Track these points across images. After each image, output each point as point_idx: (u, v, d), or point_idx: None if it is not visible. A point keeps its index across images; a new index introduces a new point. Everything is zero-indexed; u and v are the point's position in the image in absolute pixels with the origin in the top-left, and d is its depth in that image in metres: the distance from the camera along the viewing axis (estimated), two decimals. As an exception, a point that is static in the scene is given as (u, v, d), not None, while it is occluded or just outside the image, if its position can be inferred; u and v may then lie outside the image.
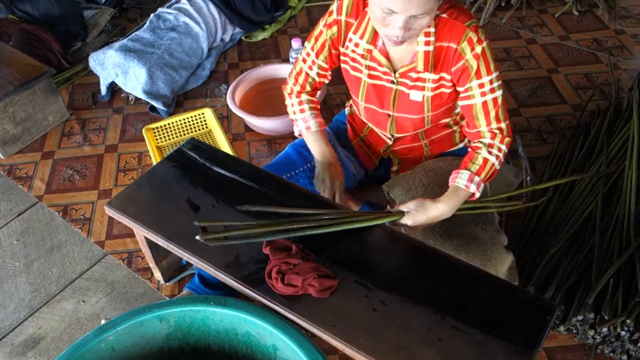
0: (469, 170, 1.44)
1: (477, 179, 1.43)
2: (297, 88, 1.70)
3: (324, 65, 1.62)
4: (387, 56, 1.49)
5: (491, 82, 1.41)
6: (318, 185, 1.62)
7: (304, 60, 1.64)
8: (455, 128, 1.67)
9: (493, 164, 1.45)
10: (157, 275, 1.85)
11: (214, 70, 2.89)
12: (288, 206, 1.43)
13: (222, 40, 2.97)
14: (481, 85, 1.41)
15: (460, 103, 1.48)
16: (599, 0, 3.14)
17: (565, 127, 2.38)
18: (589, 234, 1.78)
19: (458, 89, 1.47)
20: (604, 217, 1.82)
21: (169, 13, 2.80)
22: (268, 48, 3.04)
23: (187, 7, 2.82)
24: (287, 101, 1.73)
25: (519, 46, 2.93)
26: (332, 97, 2.62)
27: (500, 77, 1.44)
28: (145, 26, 2.79)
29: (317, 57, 1.60)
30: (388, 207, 1.46)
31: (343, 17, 1.50)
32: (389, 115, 1.61)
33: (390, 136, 1.69)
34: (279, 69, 2.65)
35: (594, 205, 1.84)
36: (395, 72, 1.51)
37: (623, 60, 2.78)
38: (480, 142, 1.47)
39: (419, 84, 1.49)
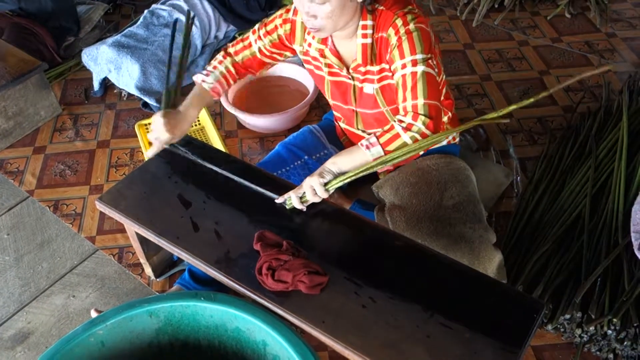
0: (378, 137, 1.37)
1: (377, 147, 1.35)
2: (232, 50, 1.68)
3: (268, 46, 1.62)
4: (337, 55, 1.53)
5: (414, 62, 1.35)
6: (153, 121, 1.55)
7: (254, 31, 1.64)
8: None
9: (404, 142, 1.35)
10: (148, 270, 1.85)
11: (208, 67, 2.88)
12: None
13: (216, 37, 2.97)
14: (403, 66, 1.37)
15: (387, 83, 1.50)
16: (591, 3, 3.17)
17: (555, 129, 2.40)
18: (578, 234, 1.80)
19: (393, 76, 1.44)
20: (592, 217, 1.84)
21: (163, 9, 2.80)
22: (262, 46, 3.04)
23: (181, 3, 2.82)
24: (216, 55, 1.70)
25: (511, 48, 2.95)
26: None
27: (430, 60, 1.37)
28: (138, 22, 2.78)
29: (264, 36, 1.61)
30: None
31: (298, 18, 1.54)
32: (354, 110, 1.63)
33: (361, 132, 1.70)
34: (272, 67, 2.65)
35: (582, 206, 1.86)
36: (348, 69, 1.54)
37: (614, 62, 2.80)
38: (402, 118, 1.37)
39: (368, 76, 1.52)
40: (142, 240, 1.67)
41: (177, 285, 1.73)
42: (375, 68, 1.48)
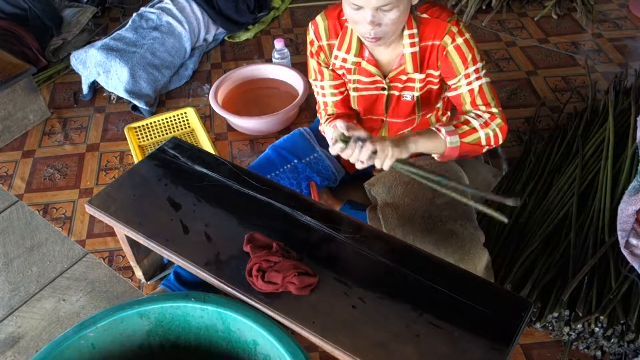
0: (455, 127, 1.42)
1: (456, 137, 1.41)
2: (323, 124, 1.67)
3: (334, 83, 1.61)
4: (375, 64, 1.53)
5: (477, 71, 1.44)
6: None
7: (317, 93, 1.65)
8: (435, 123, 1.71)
9: (479, 138, 1.43)
10: (138, 274, 1.85)
11: (197, 70, 2.89)
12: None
13: (205, 40, 2.98)
14: (467, 76, 1.45)
15: (450, 94, 1.52)
16: (577, 4, 3.20)
17: (543, 129, 2.42)
18: (565, 233, 1.82)
19: (448, 82, 1.50)
20: (579, 216, 1.86)
21: (152, 12, 2.80)
22: (251, 48, 3.05)
23: (170, 6, 2.82)
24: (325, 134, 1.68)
25: (499, 48, 2.97)
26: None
27: (485, 67, 1.46)
28: (127, 25, 2.78)
29: (322, 80, 1.61)
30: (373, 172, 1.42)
31: (324, 42, 1.54)
32: (382, 120, 1.64)
33: None
34: (261, 69, 2.66)
35: (570, 205, 1.88)
36: (385, 77, 1.54)
37: (600, 63, 2.83)
38: (479, 113, 1.45)
39: (409, 84, 1.53)
40: (132, 243, 1.67)
41: (162, 286, 1.73)
42: (421, 76, 1.50)
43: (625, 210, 1.73)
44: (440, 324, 1.23)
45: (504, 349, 1.18)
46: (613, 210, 1.82)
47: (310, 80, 1.65)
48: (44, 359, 1.19)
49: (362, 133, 1.30)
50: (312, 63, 1.61)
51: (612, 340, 1.58)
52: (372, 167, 1.81)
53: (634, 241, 1.65)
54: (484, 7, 3.24)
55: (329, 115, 1.65)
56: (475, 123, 1.43)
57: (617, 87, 2.46)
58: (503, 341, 1.20)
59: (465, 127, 1.43)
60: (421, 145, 1.39)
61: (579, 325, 1.59)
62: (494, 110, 1.46)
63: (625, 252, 1.65)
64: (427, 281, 1.32)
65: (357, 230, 1.44)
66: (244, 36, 3.10)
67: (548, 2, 3.25)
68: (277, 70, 2.65)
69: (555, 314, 1.61)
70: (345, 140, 1.30)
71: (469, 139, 1.43)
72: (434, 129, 1.42)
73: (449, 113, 1.76)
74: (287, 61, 2.70)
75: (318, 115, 1.71)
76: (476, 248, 1.51)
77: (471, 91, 1.46)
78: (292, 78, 2.60)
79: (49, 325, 1.81)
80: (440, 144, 1.42)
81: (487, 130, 1.44)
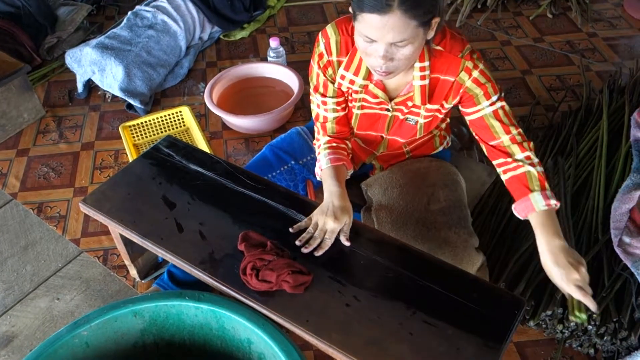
0: (535, 190, 1.35)
1: (547, 192, 1.35)
2: (321, 135, 1.61)
3: (338, 100, 1.56)
4: (383, 89, 1.48)
5: (500, 99, 1.41)
6: (317, 215, 1.43)
7: (318, 105, 1.58)
8: (435, 132, 1.68)
9: (540, 173, 1.38)
10: (133, 272, 1.85)
11: (192, 68, 2.89)
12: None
13: (200, 38, 2.97)
14: (492, 104, 1.41)
15: (470, 118, 1.46)
16: (572, 4, 3.21)
17: (538, 127, 2.42)
18: (559, 232, 1.82)
19: (466, 109, 1.45)
20: (573, 214, 1.87)
21: (147, 11, 2.79)
22: (246, 47, 3.05)
23: (166, 5, 2.81)
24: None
25: (494, 48, 2.98)
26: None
27: (502, 89, 1.44)
28: (122, 24, 2.78)
29: (326, 95, 1.54)
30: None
31: (334, 58, 1.47)
32: (382, 137, 1.63)
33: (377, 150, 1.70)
34: (257, 68, 2.66)
35: (563, 204, 1.89)
36: (391, 101, 1.50)
37: (595, 62, 2.84)
38: (515, 159, 1.40)
39: (414, 110, 1.50)
40: (127, 242, 1.67)
41: (156, 285, 1.72)
42: (431, 107, 1.47)
43: (619, 208, 1.73)
44: (433, 322, 1.23)
45: (498, 346, 1.19)
46: (606, 209, 1.83)
47: (311, 91, 1.59)
48: (38, 358, 1.18)
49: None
50: (318, 76, 1.53)
51: (605, 337, 1.59)
52: (371, 167, 1.81)
53: (627, 239, 1.66)
54: (479, 6, 3.25)
55: (329, 136, 1.58)
56: (528, 167, 1.38)
57: (611, 86, 2.47)
58: (496, 339, 1.20)
59: (535, 180, 1.37)
60: (559, 232, 1.32)
61: (572, 323, 1.59)
62: (521, 131, 1.42)
63: (618, 250, 1.66)
64: (421, 279, 1.32)
65: (351, 228, 1.44)
66: (240, 35, 3.10)
67: (543, 2, 3.26)
68: (272, 69, 2.65)
69: (549, 312, 1.62)
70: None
71: (546, 182, 1.38)
72: (542, 210, 1.34)
73: (448, 119, 1.71)
74: (282, 60, 2.70)
75: (315, 127, 1.63)
76: (469, 255, 1.50)
77: (496, 113, 1.41)
78: (288, 77, 2.60)
79: (43, 324, 1.80)
80: (554, 209, 1.35)
81: (535, 162, 1.39)
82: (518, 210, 1.39)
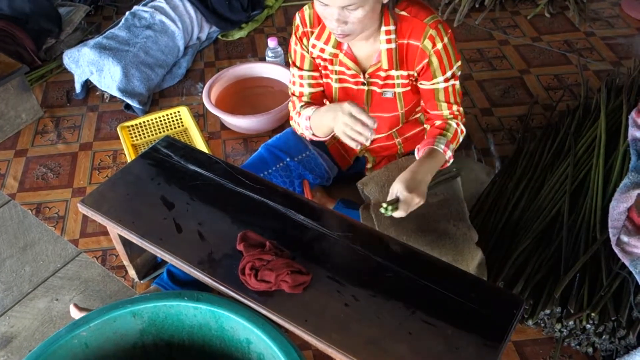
0: (444, 136, 1.50)
1: (451, 146, 1.50)
2: (296, 103, 1.68)
3: (313, 74, 1.63)
4: (353, 59, 1.53)
5: (453, 74, 1.51)
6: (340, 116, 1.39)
7: (293, 83, 1.66)
8: (427, 125, 1.71)
9: (459, 139, 1.55)
10: (132, 273, 1.85)
11: (190, 68, 2.88)
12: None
13: (198, 38, 2.97)
14: (446, 80, 1.51)
15: (422, 87, 1.55)
16: (570, 3, 3.21)
17: (535, 127, 2.43)
18: (557, 231, 1.83)
19: (422, 82, 1.54)
20: (571, 214, 1.87)
21: (145, 11, 2.79)
22: (244, 47, 3.05)
23: (163, 5, 2.81)
24: (296, 128, 1.71)
25: (492, 47, 2.98)
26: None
27: (461, 65, 1.52)
28: (120, 24, 2.77)
29: (302, 69, 1.62)
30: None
31: (308, 29, 1.56)
32: None
33: None
34: (255, 68, 2.66)
35: (562, 203, 1.89)
36: (364, 73, 1.54)
37: (592, 61, 2.84)
38: (448, 118, 1.55)
39: (389, 81, 1.54)
40: (125, 243, 1.67)
41: (155, 285, 1.73)
42: (400, 73, 1.52)
43: (617, 207, 1.74)
44: (432, 322, 1.23)
45: (496, 345, 1.19)
46: (604, 208, 1.83)
47: (290, 68, 1.67)
48: (37, 359, 1.18)
49: (369, 121, 1.34)
50: (295, 51, 1.62)
51: (604, 336, 1.59)
52: (364, 163, 1.82)
53: (625, 238, 1.66)
54: (477, 6, 3.25)
55: (304, 102, 1.66)
56: (454, 124, 1.54)
57: (609, 86, 2.47)
58: (495, 338, 1.20)
59: (450, 134, 1.52)
60: (430, 175, 1.46)
61: (571, 322, 1.60)
62: (460, 109, 1.56)
63: (616, 250, 1.66)
64: (420, 279, 1.32)
65: (350, 228, 1.45)
66: (238, 35, 3.10)
67: (541, 1, 3.26)
68: (270, 69, 2.65)
69: (547, 311, 1.62)
70: (394, 207, 1.38)
71: (456, 141, 1.53)
72: (432, 148, 1.48)
73: None
74: (280, 60, 2.70)
75: (290, 103, 1.71)
76: (469, 248, 1.51)
77: (446, 90, 1.53)
78: (286, 77, 2.60)
79: (42, 325, 1.80)
80: (441, 160, 1.49)
81: (462, 127, 1.56)
82: (422, 144, 1.52)
